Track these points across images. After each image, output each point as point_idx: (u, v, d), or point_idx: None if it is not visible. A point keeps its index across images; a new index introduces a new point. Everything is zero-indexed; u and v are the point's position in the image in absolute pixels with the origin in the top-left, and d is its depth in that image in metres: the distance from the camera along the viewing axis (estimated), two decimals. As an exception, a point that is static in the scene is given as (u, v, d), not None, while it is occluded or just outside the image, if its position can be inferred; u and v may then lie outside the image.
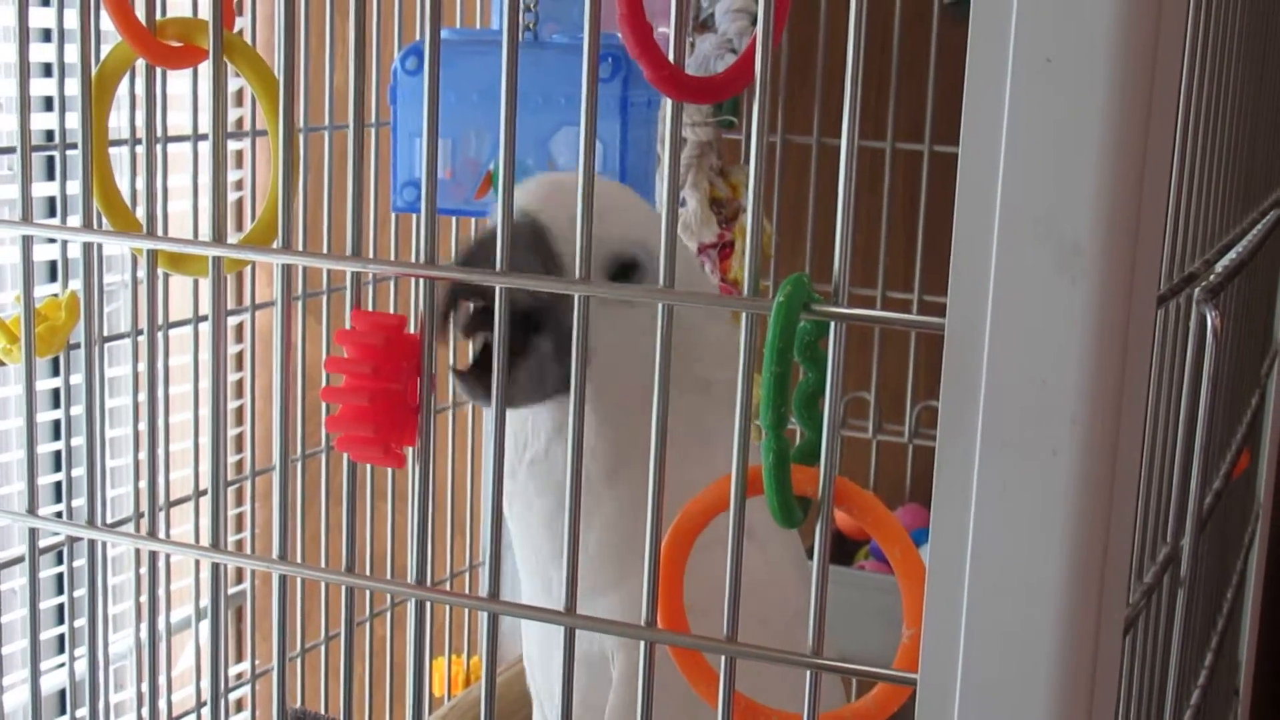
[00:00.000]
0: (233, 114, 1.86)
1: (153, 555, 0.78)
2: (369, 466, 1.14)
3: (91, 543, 0.81)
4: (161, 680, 1.36)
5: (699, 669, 0.68)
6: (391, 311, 0.96)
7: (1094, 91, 0.56)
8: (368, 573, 1.51)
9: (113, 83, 0.78)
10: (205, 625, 1.44)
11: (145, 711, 0.85)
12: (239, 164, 1.89)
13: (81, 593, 0.87)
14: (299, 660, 1.48)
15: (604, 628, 0.69)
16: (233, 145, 1.70)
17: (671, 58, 0.64)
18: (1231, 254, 0.91)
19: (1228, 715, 1.32)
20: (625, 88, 1.21)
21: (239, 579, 1.97)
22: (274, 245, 0.73)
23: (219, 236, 0.73)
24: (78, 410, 0.82)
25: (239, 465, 1.82)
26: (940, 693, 0.61)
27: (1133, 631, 0.71)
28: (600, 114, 1.23)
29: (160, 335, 1.23)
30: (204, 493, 1.39)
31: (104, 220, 0.82)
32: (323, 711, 1.01)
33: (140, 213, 0.82)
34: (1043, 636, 0.59)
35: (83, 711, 1.11)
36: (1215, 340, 0.73)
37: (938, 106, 1.63)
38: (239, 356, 1.95)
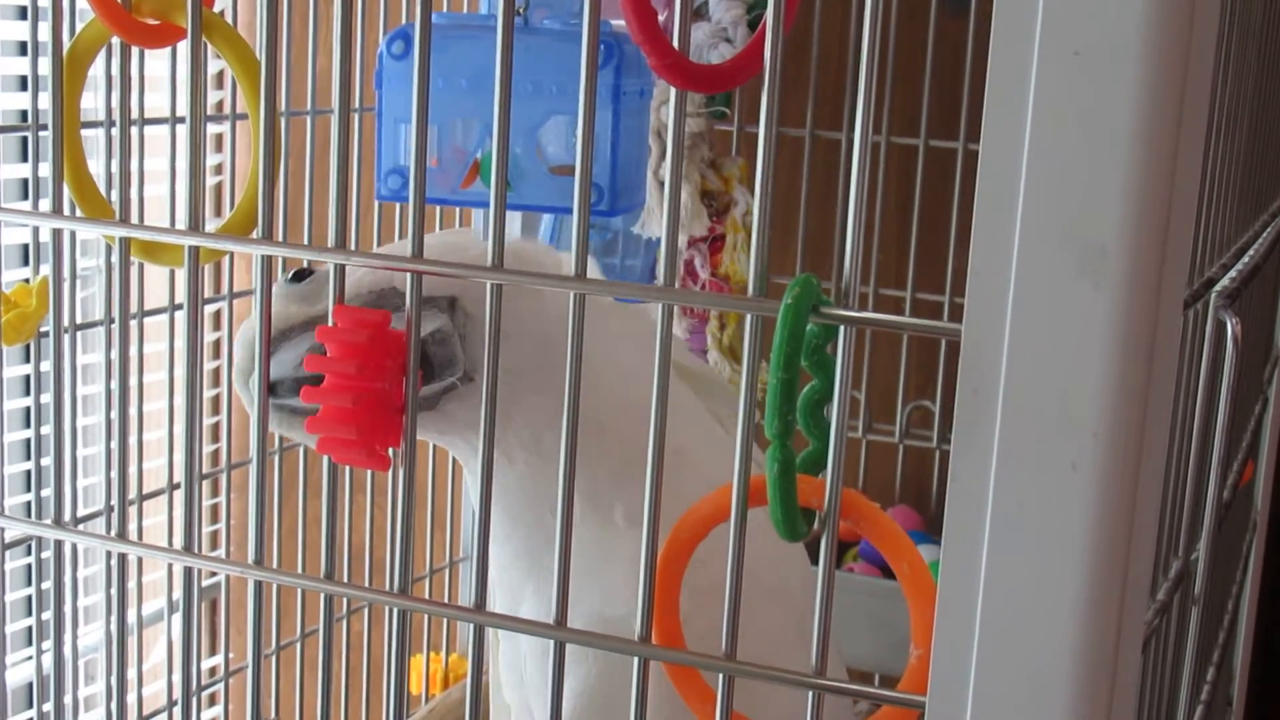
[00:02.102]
0: (213, 96, 1.82)
1: (121, 556, 0.74)
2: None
3: (58, 543, 0.78)
4: (131, 674, 1.33)
5: (692, 683, 0.65)
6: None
7: (1125, 86, 0.53)
8: (346, 565, 1.47)
9: (85, 61, 0.74)
10: (178, 619, 1.41)
11: (114, 706, 0.82)
12: (219, 148, 1.85)
13: (50, 585, 0.84)
14: (274, 657, 1.44)
15: (595, 642, 0.66)
16: (213, 129, 1.66)
17: (675, 44, 0.61)
18: (1245, 258, 0.88)
19: (1223, 726, 1.29)
20: (618, 76, 1.17)
21: (213, 572, 1.93)
22: (254, 235, 0.70)
23: (195, 225, 0.70)
24: (49, 399, 0.78)
25: (214, 456, 1.78)
26: (950, 717, 0.58)
27: (1146, 651, 0.68)
28: (591, 103, 1.20)
29: (132, 326, 1.20)
30: (178, 486, 1.36)
31: (76, 205, 0.78)
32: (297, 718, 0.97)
33: (116, 198, 0.78)
34: (1059, 660, 0.56)
35: (48, 706, 1.07)
36: (1235, 347, 0.70)
37: (934, 101, 1.60)
38: (215, 345, 1.91)
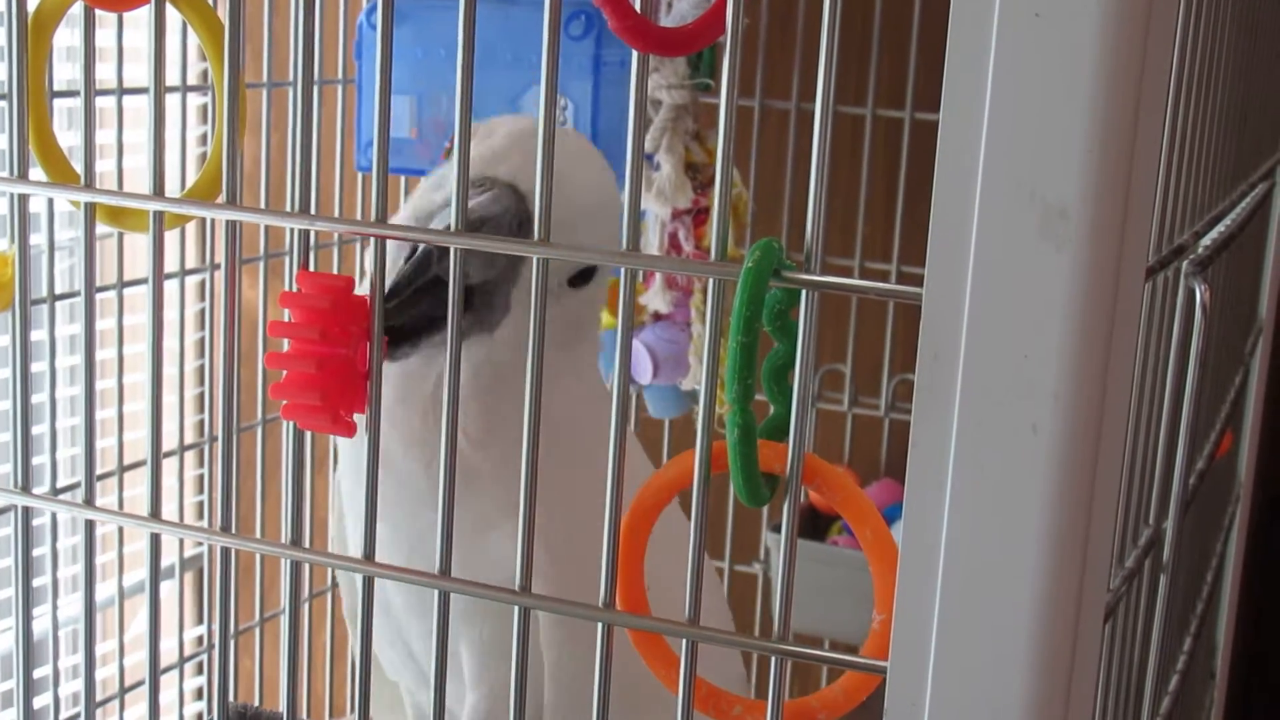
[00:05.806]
0: (199, 67, 1.81)
1: (89, 524, 0.74)
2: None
3: (26, 510, 0.77)
4: (108, 648, 1.33)
5: (657, 651, 0.65)
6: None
7: (1084, 48, 0.53)
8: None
9: (50, 26, 0.74)
10: (164, 587, 1.41)
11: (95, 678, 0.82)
12: (203, 120, 1.85)
13: (37, 554, 0.84)
14: (258, 628, 1.44)
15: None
16: (198, 100, 1.66)
17: (639, 7, 0.61)
18: (1220, 227, 0.88)
19: (1204, 698, 1.29)
20: (598, 46, 1.17)
21: (199, 542, 1.93)
22: (219, 200, 0.70)
23: (159, 190, 0.70)
24: (36, 367, 0.78)
25: (199, 427, 1.78)
26: (911, 682, 0.58)
27: (1112, 618, 0.68)
28: (572, 74, 1.20)
29: (113, 297, 1.19)
30: (167, 455, 1.35)
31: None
32: (277, 709, 0.97)
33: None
34: (1020, 625, 0.56)
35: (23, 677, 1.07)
36: (1204, 315, 0.70)
37: (920, 73, 1.60)
38: (200, 315, 1.90)
